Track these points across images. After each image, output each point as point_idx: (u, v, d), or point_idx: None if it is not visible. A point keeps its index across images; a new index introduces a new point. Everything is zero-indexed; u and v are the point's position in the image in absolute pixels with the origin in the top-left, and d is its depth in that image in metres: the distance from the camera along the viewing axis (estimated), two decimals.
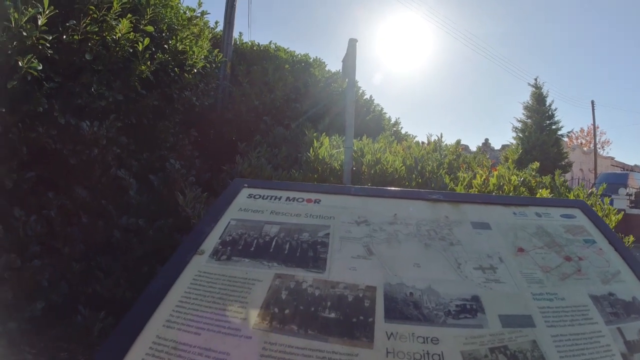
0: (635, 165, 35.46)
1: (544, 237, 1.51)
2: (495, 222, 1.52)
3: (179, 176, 3.51)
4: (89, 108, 3.08)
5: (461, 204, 1.60)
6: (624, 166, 32.09)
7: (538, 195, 3.82)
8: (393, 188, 1.84)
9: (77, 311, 2.70)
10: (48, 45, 2.64)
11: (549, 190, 3.98)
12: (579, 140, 37.91)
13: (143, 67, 3.38)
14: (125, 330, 0.98)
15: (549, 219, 1.63)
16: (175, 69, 3.90)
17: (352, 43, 3.84)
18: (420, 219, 1.46)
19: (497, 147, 29.49)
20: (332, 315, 1.03)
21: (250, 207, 1.48)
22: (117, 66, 3.30)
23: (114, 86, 3.24)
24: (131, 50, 3.35)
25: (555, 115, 22.34)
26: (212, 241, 1.28)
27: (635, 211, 13.14)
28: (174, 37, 3.92)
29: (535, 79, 23.54)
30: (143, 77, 3.42)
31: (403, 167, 3.66)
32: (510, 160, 4.58)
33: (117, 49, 3.23)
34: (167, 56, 3.78)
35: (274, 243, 1.29)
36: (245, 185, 1.60)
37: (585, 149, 32.93)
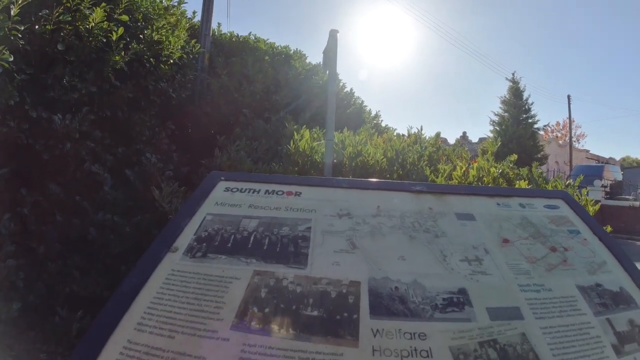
0: (610, 158, 36.51)
1: (529, 227, 1.50)
2: (479, 213, 1.50)
3: (156, 170, 3.43)
4: (61, 101, 2.99)
5: (445, 195, 1.57)
6: (598, 159, 32.99)
7: (517, 187, 3.85)
8: (375, 180, 1.80)
9: (55, 312, 2.63)
10: (20, 35, 2.56)
11: (527, 182, 4.01)
12: (554, 134, 38.67)
13: (117, 57, 3.28)
14: (94, 335, 0.90)
15: (532, 210, 1.62)
16: (151, 59, 3.78)
17: (333, 34, 3.77)
18: (404, 211, 1.42)
19: (475, 140, 29.95)
20: (315, 313, 0.97)
21: (227, 201, 1.40)
22: (90, 57, 3.19)
23: (87, 77, 3.14)
24: (105, 40, 3.25)
25: (532, 109, 22.93)
26: (186, 237, 1.21)
27: (610, 202, 13.55)
28: (149, 27, 3.79)
29: (513, 74, 23.95)
30: (117, 68, 3.32)
31: (384, 159, 3.63)
32: (489, 152, 4.60)
33: (91, 38, 3.13)
34: (142, 46, 3.66)
35: (252, 238, 1.22)
36: (222, 178, 1.53)
37: (560, 142, 33.64)
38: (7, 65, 2.39)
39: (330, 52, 3.80)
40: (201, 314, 0.95)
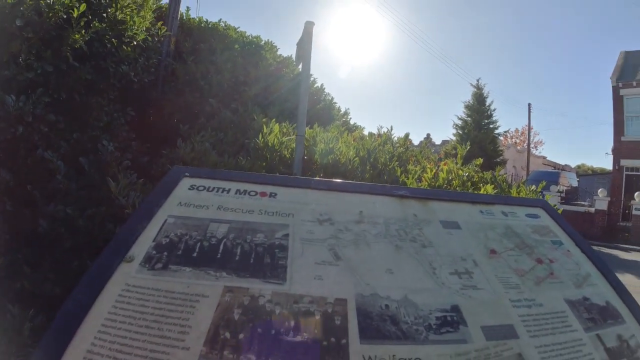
0: (566, 165, 38.27)
1: (514, 237, 1.45)
2: (464, 221, 1.44)
3: (113, 159, 3.21)
4: (16, 80, 2.79)
5: (428, 200, 1.48)
6: (555, 165, 34.49)
7: (482, 191, 3.87)
8: (356, 182, 1.68)
9: (6, 309, 2.40)
10: None
11: (493, 186, 4.04)
12: (513, 140, 40.06)
13: (77, 35, 3.08)
14: None
15: (515, 219, 1.59)
16: (113, 39, 3.55)
17: (309, 26, 3.64)
18: (388, 217, 1.31)
19: (438, 142, 30.67)
20: (299, 338, 0.84)
21: (192, 201, 1.21)
22: (49, 34, 3.00)
23: (44, 56, 2.94)
24: (65, 17, 3.04)
25: (494, 115, 23.59)
26: (143, 245, 1.01)
27: (565, 207, 14.21)
28: (113, 5, 3.55)
29: (477, 80, 24.65)
30: (76, 47, 3.12)
31: (357, 159, 3.54)
32: (459, 156, 4.61)
33: (51, 14, 2.94)
34: (104, 25, 3.43)
35: (222, 246, 1.05)
36: (187, 174, 1.33)
37: (519, 147, 34.86)
38: None
39: (304, 45, 3.66)
40: (163, 341, 0.78)
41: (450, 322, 0.97)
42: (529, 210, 1.68)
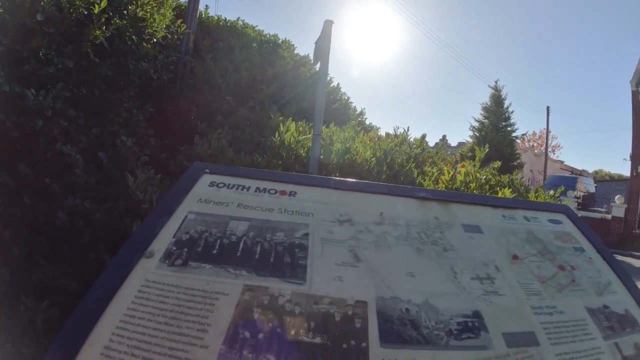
0: (584, 170, 37.54)
1: (536, 243, 1.43)
2: (486, 225, 1.41)
3: (131, 155, 3.25)
4: (36, 75, 2.81)
5: (450, 203, 1.46)
6: (572, 170, 33.86)
7: (500, 194, 3.81)
8: (376, 182, 1.67)
9: (20, 300, 2.43)
10: None
11: (511, 190, 3.98)
12: (530, 143, 39.42)
13: (97, 32, 3.09)
14: None
15: (537, 224, 1.56)
16: (133, 36, 3.57)
17: (328, 25, 3.62)
18: (409, 219, 1.29)
19: (454, 144, 30.39)
20: (318, 340, 0.82)
21: (212, 197, 1.21)
22: (70, 30, 3.02)
23: (65, 51, 2.95)
24: (86, 13, 3.06)
25: (512, 117, 23.31)
26: (164, 240, 1.01)
27: (582, 213, 13.93)
28: (134, 2, 3.58)
29: (496, 82, 24.38)
30: (97, 43, 3.13)
31: (373, 159, 3.51)
32: (477, 158, 4.54)
33: (71, 10, 2.97)
34: (125, 22, 3.45)
35: (241, 244, 1.04)
36: (207, 170, 1.33)
37: (536, 151, 34.27)
38: None
39: (322, 44, 3.64)
40: (182, 339, 0.78)
41: (472, 327, 0.95)
42: (551, 215, 1.65)
